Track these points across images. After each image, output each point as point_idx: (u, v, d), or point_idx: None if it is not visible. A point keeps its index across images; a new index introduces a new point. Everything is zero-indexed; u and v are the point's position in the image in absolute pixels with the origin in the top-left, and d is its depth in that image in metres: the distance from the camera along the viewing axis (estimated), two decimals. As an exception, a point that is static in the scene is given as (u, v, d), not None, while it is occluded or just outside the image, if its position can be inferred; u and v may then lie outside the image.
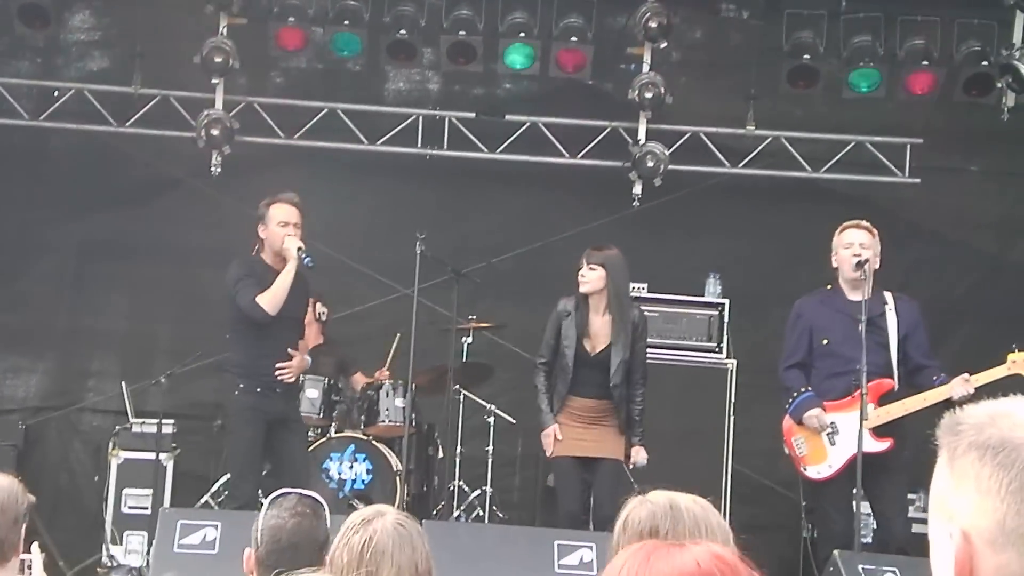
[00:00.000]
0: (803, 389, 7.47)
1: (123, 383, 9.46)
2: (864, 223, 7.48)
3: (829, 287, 7.59)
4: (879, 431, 7.26)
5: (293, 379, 7.82)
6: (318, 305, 9.13)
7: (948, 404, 7.09)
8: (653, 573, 1.72)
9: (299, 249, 7.53)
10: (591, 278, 7.48)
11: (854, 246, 7.35)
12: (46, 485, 9.46)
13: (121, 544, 8.90)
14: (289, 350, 7.73)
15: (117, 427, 9.33)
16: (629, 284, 7.86)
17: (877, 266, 7.38)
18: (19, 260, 10.15)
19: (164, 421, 8.94)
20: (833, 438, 7.43)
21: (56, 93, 9.98)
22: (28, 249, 10.12)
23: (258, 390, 7.63)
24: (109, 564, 8.85)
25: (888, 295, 7.52)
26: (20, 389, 10.20)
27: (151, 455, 8.85)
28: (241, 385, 7.66)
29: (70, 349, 10.23)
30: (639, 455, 7.55)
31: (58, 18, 9.89)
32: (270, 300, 7.52)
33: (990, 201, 10.38)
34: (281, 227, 7.62)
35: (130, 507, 9.00)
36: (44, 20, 9.74)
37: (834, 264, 7.50)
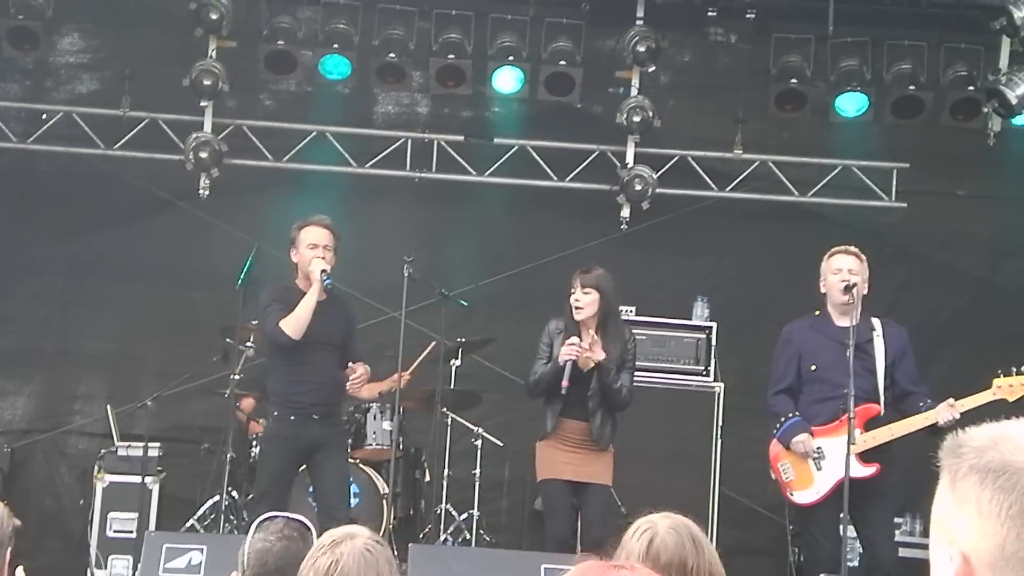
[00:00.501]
0: (791, 414, 7.47)
1: (108, 406, 9.42)
2: (852, 248, 7.49)
3: (818, 313, 7.60)
4: (866, 456, 7.27)
5: (361, 386, 7.71)
6: None
7: (934, 429, 7.13)
8: None
9: (323, 272, 7.43)
10: (586, 302, 7.36)
11: (843, 272, 7.36)
12: (31, 508, 9.42)
13: (106, 568, 8.84)
14: (351, 364, 7.64)
15: (103, 450, 9.29)
16: (619, 303, 7.82)
17: (865, 291, 7.39)
18: (6, 282, 10.13)
19: (150, 444, 8.92)
20: (820, 463, 7.43)
21: (45, 116, 9.98)
22: (16, 271, 10.11)
23: (292, 418, 7.55)
24: (94, 588, 8.81)
25: (876, 321, 7.52)
26: (7, 411, 10.18)
27: (137, 478, 8.82)
28: (275, 413, 7.66)
29: (57, 371, 10.20)
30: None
31: (47, 41, 9.90)
32: (292, 324, 7.43)
33: (977, 225, 10.41)
34: (310, 249, 7.53)
35: (115, 531, 8.95)
36: (33, 43, 9.74)
37: (822, 289, 7.51)
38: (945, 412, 7.16)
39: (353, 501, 8.64)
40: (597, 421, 7.43)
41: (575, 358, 7.25)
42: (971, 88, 9.75)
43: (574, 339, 7.28)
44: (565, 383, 7.19)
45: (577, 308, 7.37)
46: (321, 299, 7.53)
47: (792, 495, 7.55)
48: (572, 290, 7.42)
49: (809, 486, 7.47)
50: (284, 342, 7.47)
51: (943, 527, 1.52)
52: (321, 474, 7.64)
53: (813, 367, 7.49)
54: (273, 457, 7.77)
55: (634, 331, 8.00)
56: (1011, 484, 1.45)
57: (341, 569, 3.03)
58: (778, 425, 7.51)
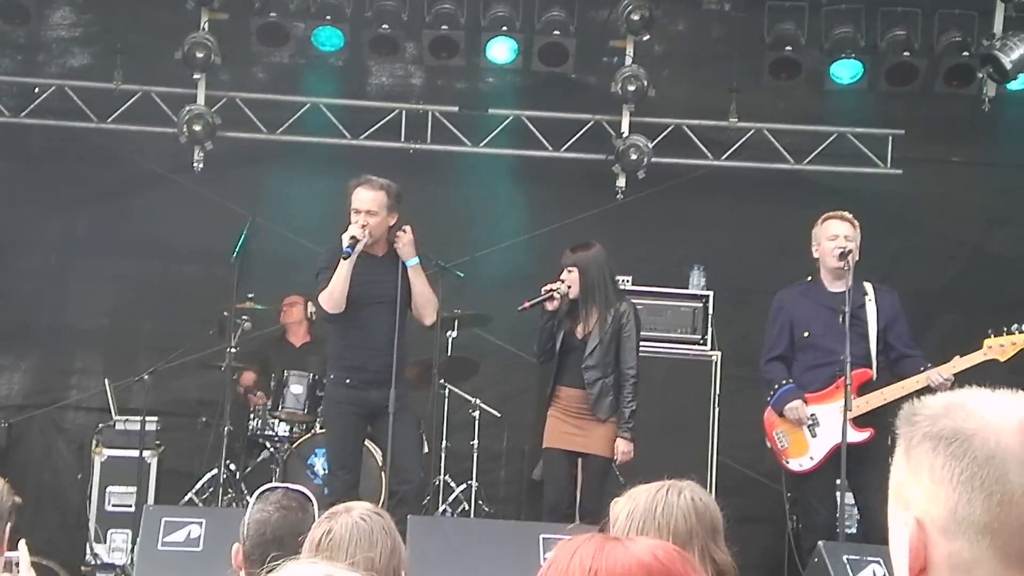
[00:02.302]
0: (784, 381, 7.49)
1: (106, 380, 9.43)
2: (846, 214, 7.50)
3: (810, 279, 7.62)
4: (859, 421, 7.29)
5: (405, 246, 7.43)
6: (309, 305, 9.11)
7: (928, 391, 7.13)
8: (609, 563, 1.73)
9: (352, 238, 7.22)
10: (570, 281, 7.60)
11: (838, 238, 7.36)
12: (29, 483, 9.43)
13: (105, 542, 8.87)
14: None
15: (100, 425, 9.31)
16: (610, 276, 7.83)
17: (857, 257, 7.40)
18: (0, 257, 10.11)
19: (148, 418, 8.94)
20: (814, 430, 7.46)
21: (37, 90, 9.94)
22: (9, 246, 10.08)
23: (347, 381, 7.43)
24: (93, 562, 8.83)
25: (868, 286, 7.54)
26: (3, 387, 10.18)
27: (135, 452, 8.84)
28: (332, 376, 7.60)
29: (53, 346, 10.20)
30: (620, 449, 7.52)
31: (39, 14, 9.86)
32: (327, 298, 7.31)
33: (972, 191, 10.40)
34: (354, 214, 7.34)
35: (114, 505, 8.98)
36: (24, 17, 9.71)
37: (815, 255, 7.52)
38: (936, 376, 7.17)
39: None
40: (595, 391, 7.51)
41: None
42: (965, 54, 9.74)
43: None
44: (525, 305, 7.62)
45: (566, 285, 7.60)
46: (375, 255, 7.39)
47: (787, 463, 7.58)
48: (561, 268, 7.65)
49: (804, 453, 7.50)
50: (325, 316, 7.43)
51: (899, 494, 1.55)
52: (386, 439, 7.37)
53: (806, 334, 7.50)
54: (332, 422, 7.77)
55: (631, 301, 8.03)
56: (962, 451, 1.48)
57: (332, 538, 3.06)
58: (771, 393, 7.53)
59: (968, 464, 1.47)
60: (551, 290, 7.55)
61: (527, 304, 7.61)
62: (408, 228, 7.41)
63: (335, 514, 3.14)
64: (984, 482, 1.46)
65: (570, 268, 7.60)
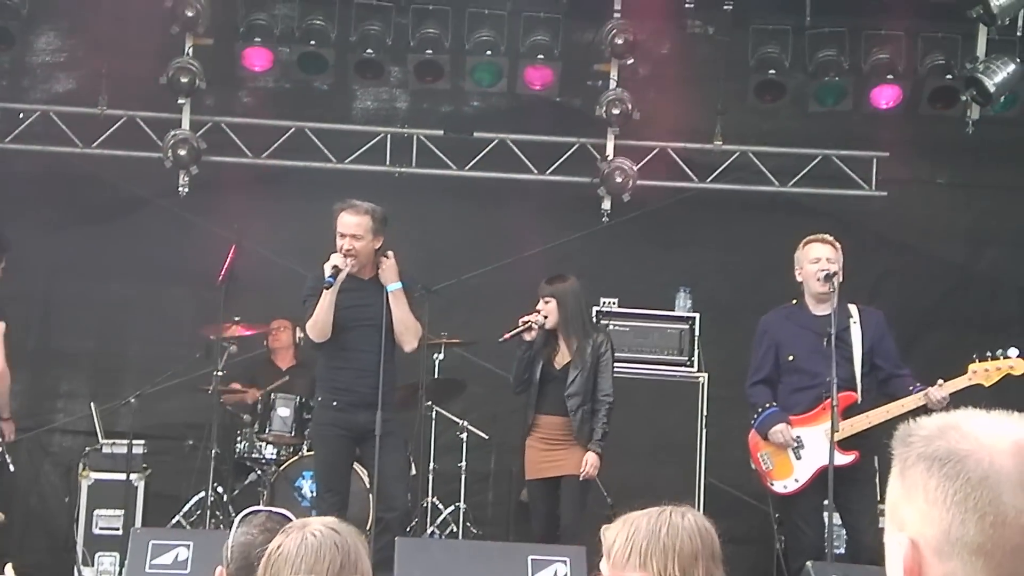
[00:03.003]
0: (768, 405, 7.50)
1: (92, 404, 9.41)
2: (827, 237, 7.51)
3: (795, 302, 7.62)
4: (844, 444, 7.28)
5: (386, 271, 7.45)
6: (297, 330, 9.11)
7: (924, 411, 7.14)
8: None
9: (334, 267, 7.20)
10: (547, 311, 7.66)
11: (821, 261, 7.38)
12: (17, 507, 9.40)
13: (93, 565, 8.84)
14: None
15: (87, 448, 9.29)
16: (586, 308, 7.97)
17: (841, 279, 7.41)
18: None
19: (135, 442, 8.92)
20: (799, 452, 7.46)
21: (22, 115, 9.94)
22: (-5, 269, 10.04)
23: (334, 403, 7.43)
24: (80, 586, 8.80)
25: (853, 308, 7.55)
26: (-11, 411, 10.12)
27: (122, 476, 8.82)
28: (320, 398, 7.60)
29: (39, 370, 10.16)
30: (588, 461, 7.50)
31: (23, 40, 9.86)
32: (312, 327, 7.33)
33: (957, 213, 10.46)
34: (339, 238, 7.32)
35: (101, 528, 8.95)
36: (8, 42, 9.71)
37: (798, 278, 7.52)
38: (936, 392, 7.17)
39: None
40: (578, 417, 7.59)
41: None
42: (949, 77, 9.80)
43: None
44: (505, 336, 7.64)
45: (544, 316, 7.66)
46: (362, 279, 7.38)
47: (772, 484, 7.58)
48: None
49: (788, 475, 7.51)
50: (312, 344, 7.45)
51: (894, 515, 1.56)
52: (374, 464, 7.32)
53: (791, 357, 7.51)
54: (320, 445, 7.75)
55: (616, 323, 8.08)
56: (955, 472, 1.48)
57: (281, 553, 3.05)
58: (755, 415, 7.54)
59: (962, 485, 1.48)
60: (528, 321, 7.61)
61: (507, 335, 7.66)
62: (391, 254, 7.42)
63: (289, 530, 3.14)
64: (978, 503, 1.47)
65: (547, 299, 7.68)
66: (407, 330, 7.47)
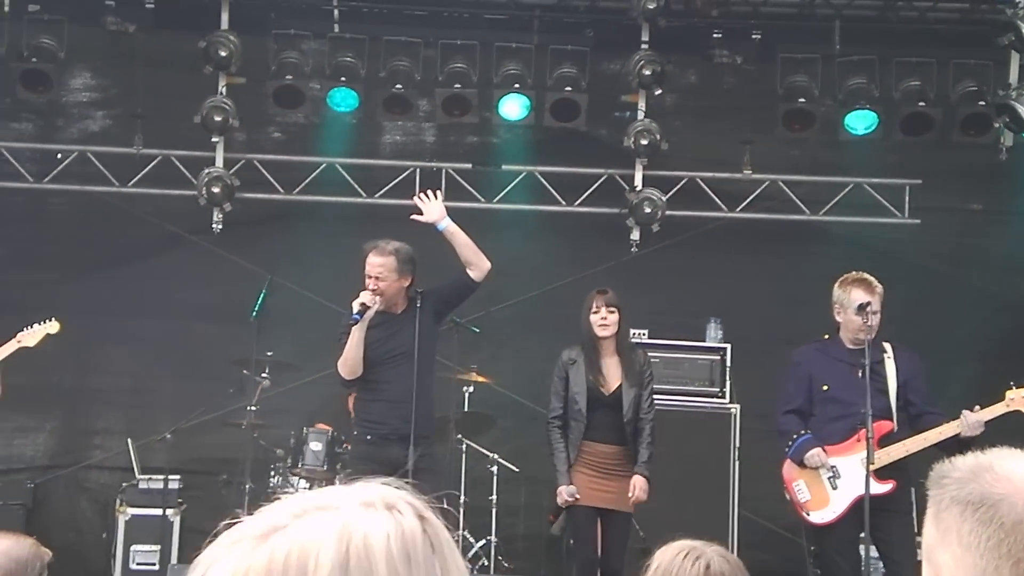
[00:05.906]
0: (802, 432, 7.43)
1: (128, 440, 9.49)
2: (869, 278, 7.24)
3: (827, 337, 7.54)
4: (881, 473, 7.21)
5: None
6: None
7: (960, 442, 7.02)
8: None
9: (361, 304, 7.25)
10: (612, 321, 7.45)
11: (866, 314, 7.20)
12: (54, 543, 9.30)
13: (129, 600, 8.89)
14: None
15: (124, 484, 9.38)
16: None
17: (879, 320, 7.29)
18: (23, 320, 10.14)
19: (170, 477, 8.97)
20: (835, 482, 7.38)
21: (59, 155, 10.07)
22: (31, 309, 10.09)
23: (368, 437, 7.42)
24: (117, 622, 8.85)
25: (887, 345, 7.43)
26: (28, 448, 10.24)
27: (158, 511, 8.88)
28: (355, 433, 7.61)
29: (76, 408, 10.27)
30: (637, 485, 7.39)
31: (59, 81, 10.00)
32: (342, 364, 7.34)
33: (990, 240, 10.36)
34: (367, 279, 7.39)
35: (138, 563, 9.02)
36: (46, 85, 9.85)
37: (837, 318, 7.37)
38: (971, 416, 7.07)
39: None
40: (639, 446, 7.44)
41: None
42: (981, 103, 9.75)
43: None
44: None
45: (603, 325, 7.45)
46: (393, 314, 7.39)
47: (808, 515, 7.50)
48: (594, 309, 7.47)
49: (825, 506, 7.42)
50: (343, 382, 7.45)
51: (930, 558, 1.56)
52: None
53: (825, 387, 7.43)
54: (354, 479, 7.70)
55: (648, 354, 8.02)
56: (989, 516, 1.48)
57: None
58: (789, 444, 7.47)
59: (995, 531, 1.47)
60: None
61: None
62: (439, 192, 7.60)
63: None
64: (1012, 549, 1.46)
65: (612, 309, 7.46)
66: (474, 253, 7.54)
